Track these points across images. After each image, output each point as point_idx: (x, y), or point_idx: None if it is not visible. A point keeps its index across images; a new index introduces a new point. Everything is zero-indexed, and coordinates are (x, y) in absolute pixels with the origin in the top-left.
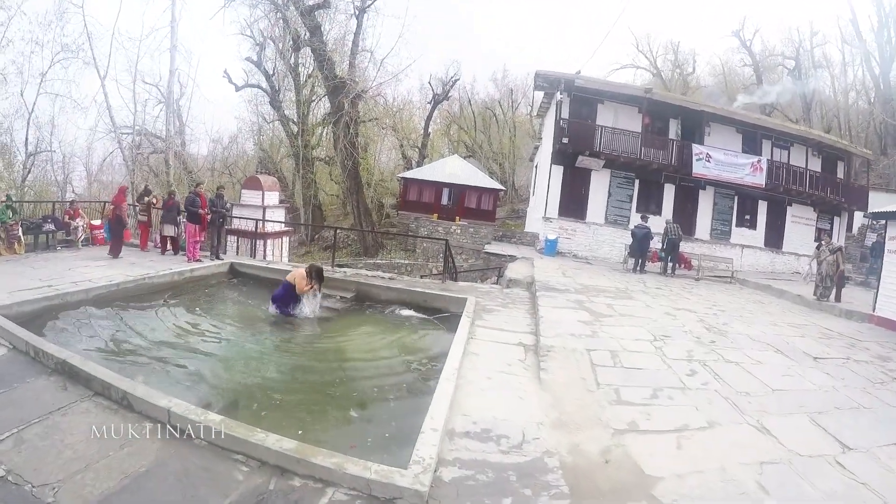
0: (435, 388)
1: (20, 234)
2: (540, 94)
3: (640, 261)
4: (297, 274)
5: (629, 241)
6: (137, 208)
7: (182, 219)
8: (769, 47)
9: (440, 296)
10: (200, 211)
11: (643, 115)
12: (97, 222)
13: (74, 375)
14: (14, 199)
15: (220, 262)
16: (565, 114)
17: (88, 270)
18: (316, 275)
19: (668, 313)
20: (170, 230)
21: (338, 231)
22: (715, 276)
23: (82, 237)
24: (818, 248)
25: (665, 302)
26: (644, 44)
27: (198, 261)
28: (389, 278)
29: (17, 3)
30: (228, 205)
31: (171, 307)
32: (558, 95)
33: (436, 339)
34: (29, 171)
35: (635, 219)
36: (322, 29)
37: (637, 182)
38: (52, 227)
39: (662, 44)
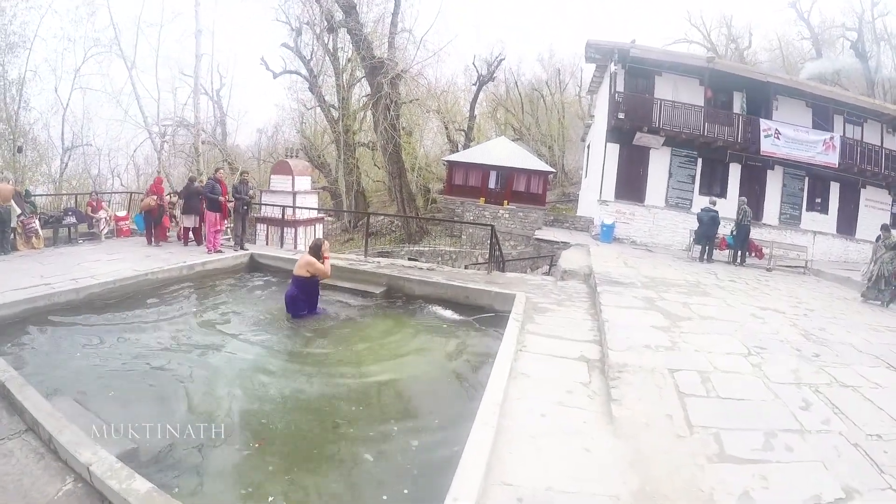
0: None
1: (38, 227)
2: (591, 70)
3: (706, 248)
4: (304, 263)
5: (693, 225)
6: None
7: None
8: (828, 18)
9: (484, 291)
10: (220, 198)
11: (705, 88)
12: (122, 213)
13: (12, 403)
14: (33, 192)
15: (238, 253)
16: (620, 87)
17: (97, 265)
18: (313, 249)
19: (754, 315)
20: (188, 220)
21: (378, 217)
22: (787, 266)
23: (105, 229)
24: (876, 240)
25: (745, 299)
26: (697, 17)
27: (218, 251)
28: (428, 269)
29: (48, 1)
30: (252, 191)
31: (169, 308)
32: (612, 67)
33: (478, 348)
34: (66, 166)
35: (698, 201)
36: (357, 9)
37: (700, 161)
38: (73, 220)
39: (716, 17)
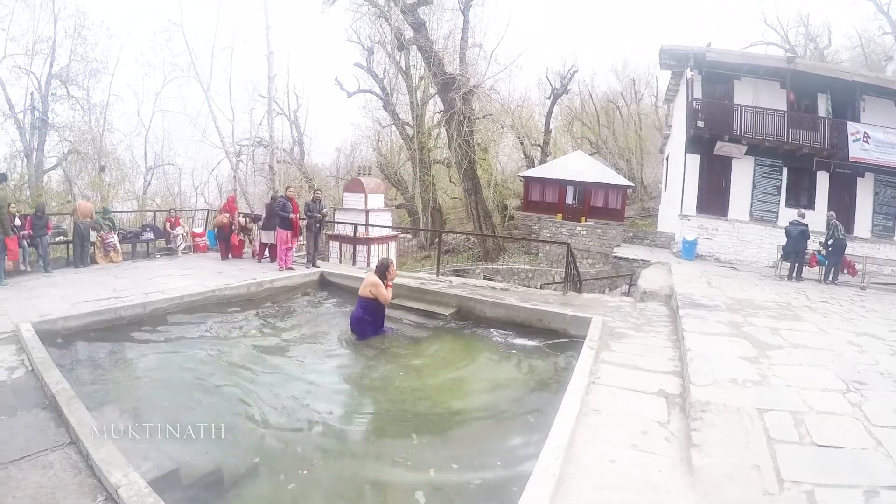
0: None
1: (116, 243)
2: (666, 77)
3: (796, 265)
4: (368, 283)
5: (779, 240)
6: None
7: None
8: None
9: (559, 314)
10: (292, 216)
11: (787, 91)
12: (199, 230)
13: (60, 414)
14: (110, 210)
15: (308, 271)
16: (697, 94)
17: (169, 280)
18: (380, 269)
19: (851, 342)
20: (268, 237)
21: (451, 235)
22: (882, 284)
23: (182, 245)
24: None
25: (839, 323)
26: (772, 17)
27: (290, 269)
28: (501, 289)
29: (127, 30)
30: (325, 209)
31: (233, 325)
32: (688, 73)
33: (549, 377)
34: (149, 184)
35: (784, 214)
36: (426, 26)
37: (785, 170)
38: (150, 235)
39: (792, 17)
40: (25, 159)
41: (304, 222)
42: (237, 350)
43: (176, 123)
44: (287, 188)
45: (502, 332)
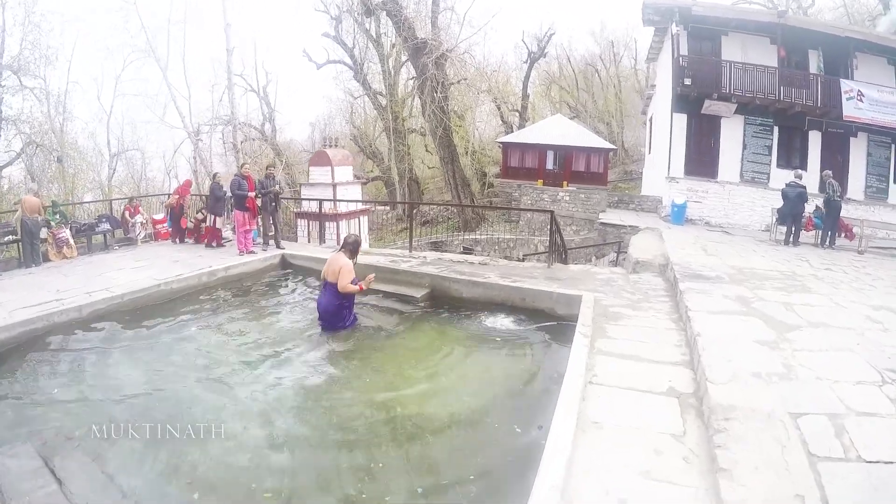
0: None
1: (69, 237)
2: (646, 39)
3: (793, 229)
4: (335, 267)
5: (772, 202)
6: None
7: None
8: None
9: (544, 292)
10: (249, 194)
11: (777, 48)
12: (159, 216)
13: None
14: (60, 203)
15: (268, 254)
16: (683, 50)
17: (120, 274)
18: (351, 247)
19: (870, 318)
20: (219, 220)
21: (425, 207)
22: (880, 248)
23: (142, 234)
24: None
25: (852, 295)
26: None
27: (251, 252)
28: (480, 264)
29: (84, 13)
30: (279, 186)
31: (179, 323)
32: (673, 28)
33: (536, 369)
34: (114, 172)
35: (776, 175)
36: None
37: (776, 130)
38: (107, 226)
39: None
40: None
41: (260, 201)
42: (175, 356)
43: (138, 107)
44: (242, 166)
45: (481, 314)
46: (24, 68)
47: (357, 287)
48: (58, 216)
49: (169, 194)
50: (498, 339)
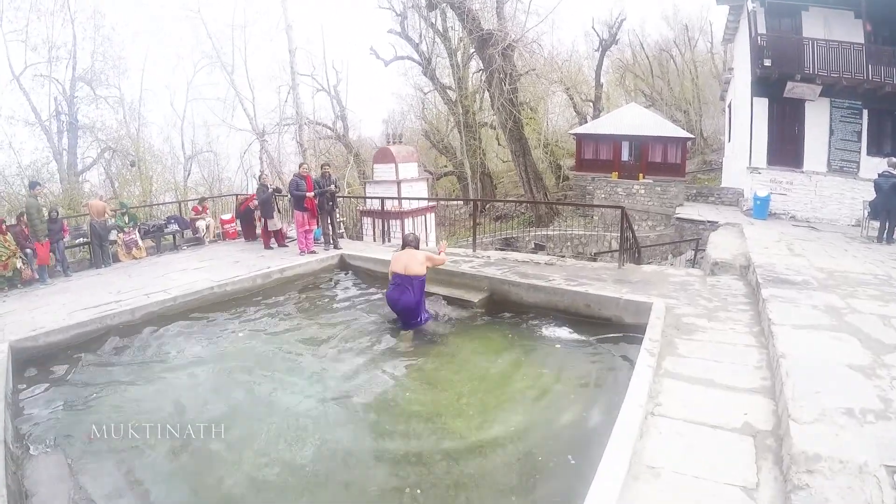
0: None
1: (137, 239)
2: (721, 19)
3: (888, 224)
4: (420, 258)
5: (862, 194)
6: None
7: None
8: None
9: (611, 298)
10: (308, 195)
11: (863, 22)
12: (227, 216)
13: None
14: (128, 205)
15: (326, 255)
16: (762, 28)
17: (182, 275)
18: (413, 244)
19: None
20: (270, 223)
21: (486, 204)
22: None
23: (209, 234)
24: None
25: None
26: None
27: (312, 252)
28: (546, 264)
29: (153, 28)
30: (335, 186)
31: (224, 329)
32: (749, 5)
33: (595, 390)
34: (189, 173)
35: (867, 164)
36: None
37: (865, 113)
38: (175, 227)
39: None
40: (56, 163)
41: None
42: (221, 364)
43: (208, 110)
44: (300, 165)
45: (542, 322)
46: (97, 79)
47: (443, 259)
48: (126, 218)
49: (237, 195)
50: (558, 350)
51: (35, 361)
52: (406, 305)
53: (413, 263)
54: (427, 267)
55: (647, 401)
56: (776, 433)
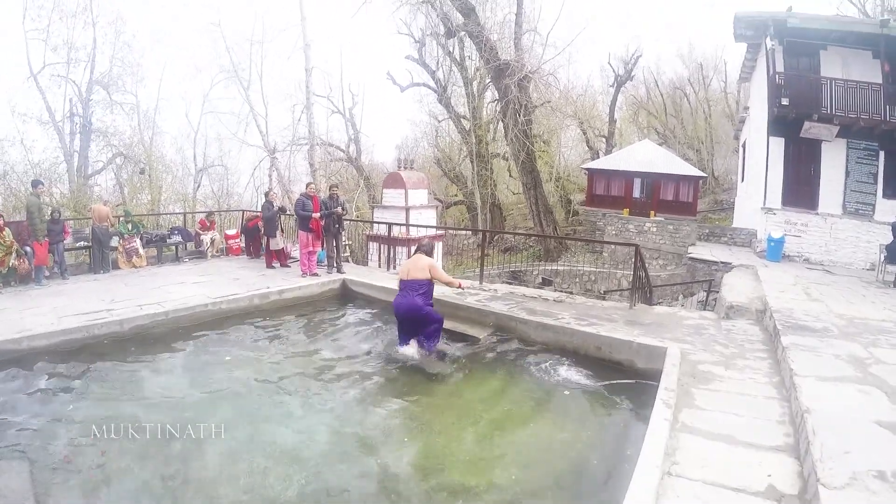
0: None
1: (139, 247)
2: (736, 60)
3: None
4: (422, 264)
5: (877, 238)
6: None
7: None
8: None
9: (623, 342)
10: (314, 215)
11: (881, 62)
12: (232, 232)
13: None
14: (132, 213)
15: (328, 278)
16: (780, 66)
17: (179, 288)
18: (426, 250)
19: None
20: (273, 241)
21: (495, 235)
22: None
23: (212, 249)
24: None
25: None
26: None
27: (314, 274)
28: (555, 301)
29: (174, 39)
30: (342, 208)
31: (215, 350)
32: (768, 43)
33: (604, 445)
34: (199, 185)
35: (882, 207)
36: (476, 12)
37: (882, 154)
38: (178, 238)
39: None
40: (66, 165)
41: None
42: (196, 386)
43: (222, 124)
44: (308, 185)
45: (550, 363)
46: (114, 84)
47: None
48: (129, 225)
49: (244, 211)
50: (567, 397)
51: (16, 363)
52: (408, 309)
53: (415, 268)
54: (431, 276)
55: (663, 460)
56: (803, 498)
